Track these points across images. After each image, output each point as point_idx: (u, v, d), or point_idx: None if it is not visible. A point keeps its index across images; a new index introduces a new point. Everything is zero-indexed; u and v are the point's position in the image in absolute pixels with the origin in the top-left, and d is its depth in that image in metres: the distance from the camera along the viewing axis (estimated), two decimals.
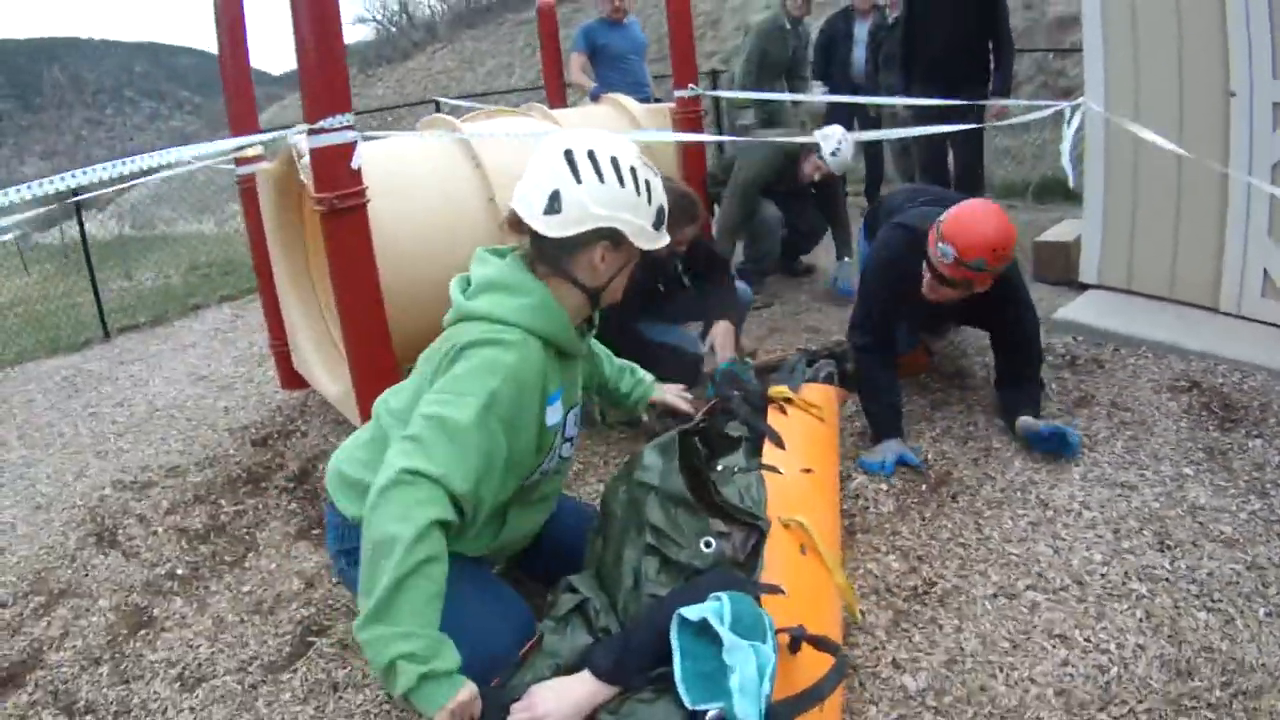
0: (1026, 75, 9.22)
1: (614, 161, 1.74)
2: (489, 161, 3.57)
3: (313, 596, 2.59)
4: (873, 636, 2.13)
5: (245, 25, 3.78)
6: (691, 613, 1.47)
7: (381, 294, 2.86)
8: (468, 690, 1.44)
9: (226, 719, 2.11)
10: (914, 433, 3.12)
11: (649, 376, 2.51)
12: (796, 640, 1.56)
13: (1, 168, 35.73)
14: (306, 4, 2.56)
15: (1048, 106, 4.35)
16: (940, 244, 2.77)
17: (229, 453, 3.70)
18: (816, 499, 2.19)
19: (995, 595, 2.25)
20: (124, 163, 2.55)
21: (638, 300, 3.08)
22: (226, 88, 3.81)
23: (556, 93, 6.21)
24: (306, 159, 2.83)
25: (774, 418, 2.45)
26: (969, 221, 2.76)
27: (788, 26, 6.27)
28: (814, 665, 1.54)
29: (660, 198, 1.83)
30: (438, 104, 9.66)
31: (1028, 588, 2.26)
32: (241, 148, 3.68)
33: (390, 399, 1.91)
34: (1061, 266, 4.65)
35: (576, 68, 6.09)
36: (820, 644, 1.58)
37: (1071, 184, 4.48)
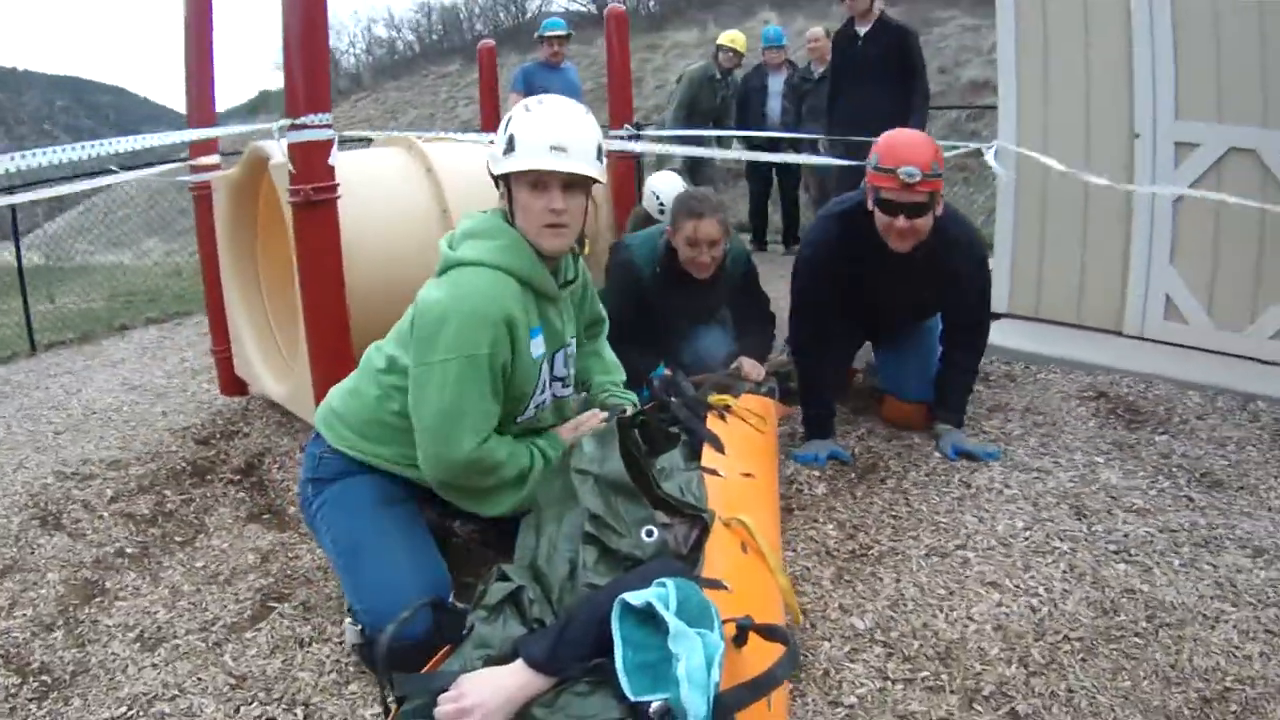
0: (941, 135, 9.75)
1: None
2: (441, 170, 3.69)
3: (270, 569, 2.62)
4: (819, 587, 2.29)
5: (212, 36, 3.87)
6: (635, 598, 1.40)
7: (344, 284, 2.95)
8: None
9: (192, 673, 2.12)
10: (841, 433, 3.31)
11: (626, 395, 2.52)
12: (744, 631, 1.49)
13: None
14: (298, 8, 2.72)
15: (963, 146, 4.69)
16: (874, 169, 2.88)
17: (171, 449, 3.69)
18: (757, 502, 2.19)
19: (928, 555, 2.43)
20: (83, 147, 2.63)
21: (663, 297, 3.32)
22: (190, 91, 3.88)
23: (492, 128, 6.38)
24: (279, 158, 2.94)
25: (713, 424, 2.41)
26: (895, 136, 2.94)
27: (718, 77, 6.72)
28: (760, 658, 1.47)
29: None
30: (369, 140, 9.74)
31: (958, 548, 2.45)
32: (205, 140, 3.78)
33: (381, 344, 2.19)
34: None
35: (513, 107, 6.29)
36: (769, 633, 1.51)
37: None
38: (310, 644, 2.20)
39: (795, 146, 6.23)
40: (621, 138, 4.60)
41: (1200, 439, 3.17)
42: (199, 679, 2.09)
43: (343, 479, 2.15)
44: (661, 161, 6.46)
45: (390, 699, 1.50)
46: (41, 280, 10.15)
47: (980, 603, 2.18)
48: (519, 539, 1.84)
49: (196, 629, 2.31)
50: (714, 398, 2.60)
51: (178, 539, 2.88)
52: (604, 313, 2.58)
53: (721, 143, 6.79)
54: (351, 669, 2.09)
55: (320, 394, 2.90)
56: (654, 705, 1.28)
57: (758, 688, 1.38)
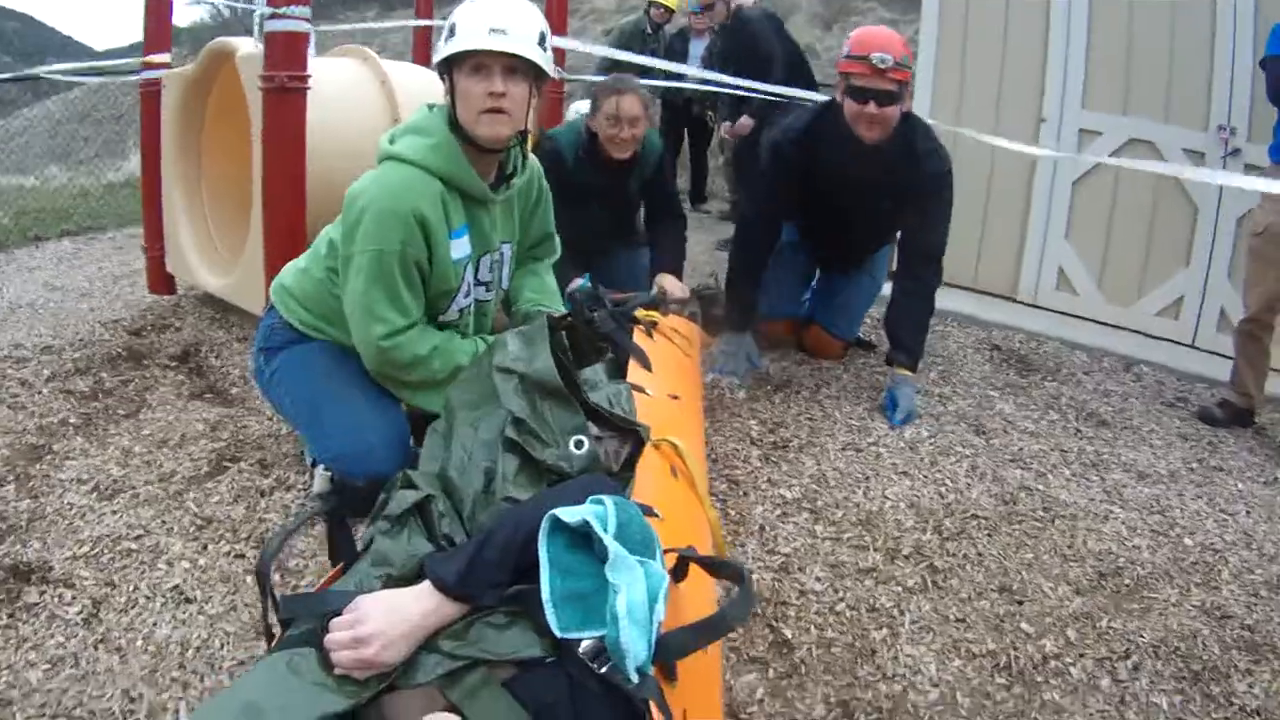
0: None
1: None
2: (394, 81, 3.76)
3: (220, 435, 2.68)
4: (748, 464, 2.53)
5: None
6: (569, 514, 1.19)
7: (305, 172, 3.00)
8: None
9: (155, 516, 2.19)
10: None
11: (555, 302, 2.48)
12: (684, 563, 1.30)
13: None
14: None
15: None
16: (846, 57, 2.93)
17: (103, 338, 3.65)
18: (685, 425, 2.07)
19: (844, 448, 2.71)
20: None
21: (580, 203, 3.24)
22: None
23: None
24: (247, 50, 2.98)
25: (639, 340, 2.27)
26: (867, 29, 3.06)
27: (648, 31, 6.87)
28: (698, 595, 1.35)
29: (455, 15, 2.04)
30: None
31: (870, 445, 2.74)
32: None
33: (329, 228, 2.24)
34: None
35: None
36: (717, 567, 1.35)
37: None
38: (272, 493, 2.30)
39: (711, 107, 6.37)
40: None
41: (1086, 389, 3.51)
42: (163, 521, 2.17)
43: (293, 345, 2.25)
44: None
45: (274, 622, 1.32)
46: None
47: (894, 486, 2.44)
48: (426, 443, 1.68)
49: (155, 480, 2.37)
50: (640, 312, 2.47)
51: (120, 412, 2.89)
52: (555, 235, 2.57)
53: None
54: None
55: (272, 274, 2.96)
56: (584, 643, 1.11)
57: (706, 631, 1.19)
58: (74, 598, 1.86)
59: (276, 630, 1.32)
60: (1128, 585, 2.10)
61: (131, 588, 1.89)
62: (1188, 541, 2.36)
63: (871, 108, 2.87)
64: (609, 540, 1.14)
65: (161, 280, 4.14)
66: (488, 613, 1.20)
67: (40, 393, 3.05)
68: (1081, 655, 1.87)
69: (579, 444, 1.56)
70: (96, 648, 1.71)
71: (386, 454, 2.05)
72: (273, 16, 2.81)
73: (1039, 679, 1.79)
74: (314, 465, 2.24)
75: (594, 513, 1.19)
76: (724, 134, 6.29)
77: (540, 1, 3.75)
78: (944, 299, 4.57)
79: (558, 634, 1.13)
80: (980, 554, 2.15)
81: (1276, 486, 2.79)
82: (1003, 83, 4.58)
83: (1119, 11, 4.25)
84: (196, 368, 3.31)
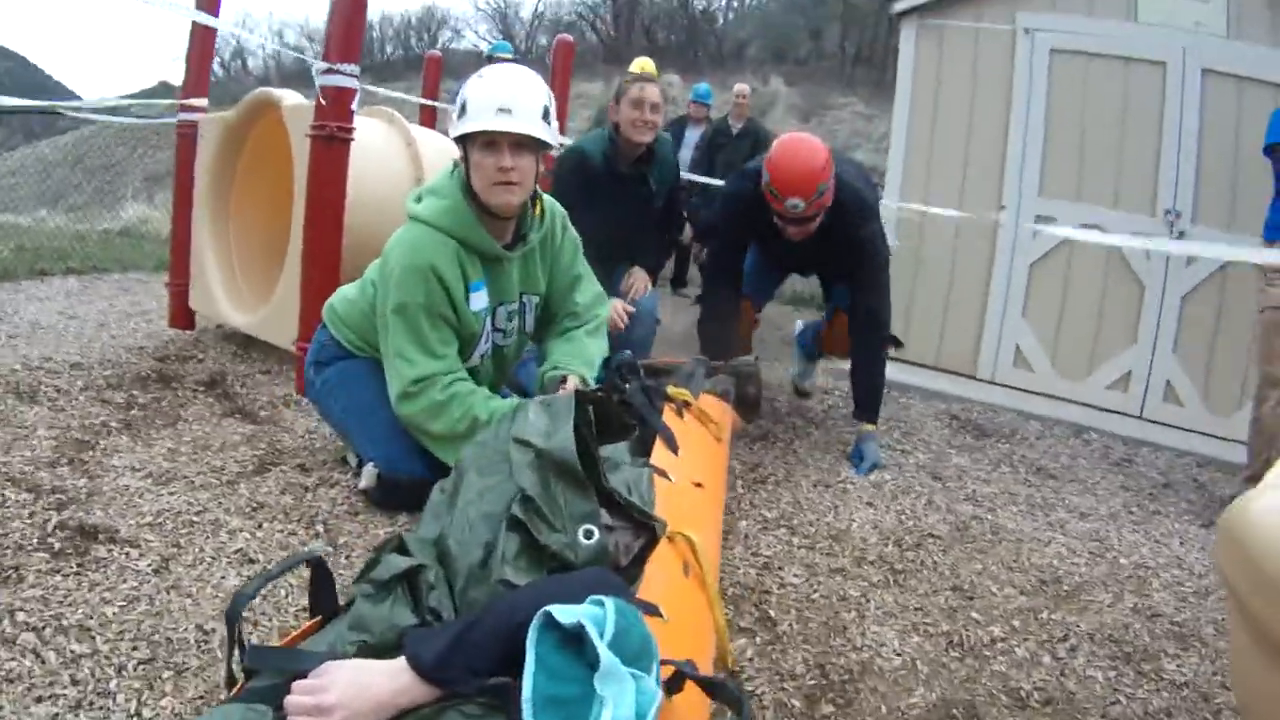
0: None
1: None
2: (419, 142, 4.15)
3: (258, 445, 2.94)
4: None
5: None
6: (564, 613, 1.12)
7: (344, 212, 3.35)
8: None
9: (211, 499, 2.45)
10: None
11: (582, 366, 2.54)
12: (679, 678, 1.21)
13: None
14: None
15: None
16: (767, 186, 3.17)
17: (130, 361, 3.90)
18: (704, 517, 1.96)
19: (815, 484, 3.07)
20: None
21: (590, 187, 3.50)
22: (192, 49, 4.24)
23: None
24: (293, 101, 3.35)
25: (668, 419, 2.17)
26: (782, 160, 3.13)
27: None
28: (691, 713, 1.27)
29: (466, 93, 2.25)
30: None
31: (839, 482, 3.11)
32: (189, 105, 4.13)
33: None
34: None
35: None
36: (714, 689, 1.25)
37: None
38: (317, 488, 2.58)
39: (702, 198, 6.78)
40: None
41: (1038, 450, 3.89)
42: (219, 503, 2.43)
43: (342, 360, 2.59)
44: None
45: (239, 668, 1.29)
46: None
47: (860, 512, 2.81)
48: (430, 501, 1.66)
49: (206, 472, 2.64)
50: (673, 389, 2.37)
51: (159, 421, 3.15)
52: (593, 304, 2.68)
53: None
54: (361, 504, 2.47)
55: (309, 309, 3.26)
56: None
57: None
58: (142, 555, 2.11)
59: (240, 675, 1.28)
60: (1066, 590, 2.45)
61: (197, 549, 2.15)
62: (1123, 561, 2.72)
63: (792, 229, 3.23)
64: (602, 648, 1.07)
65: (183, 315, 4.43)
66: (461, 701, 1.14)
67: (77, 399, 3.30)
68: (1025, 639, 2.19)
69: (588, 534, 1.46)
70: (168, 593, 1.97)
71: (430, 457, 2.36)
72: (327, 71, 3.19)
73: (988, 654, 2.11)
74: (360, 465, 2.53)
75: (591, 615, 1.11)
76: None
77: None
78: (908, 375, 4.99)
79: None
80: (935, 563, 2.49)
81: (1212, 528, 3.15)
82: (966, 171, 5.06)
83: (1073, 107, 4.78)
84: (224, 393, 3.57)
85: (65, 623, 1.82)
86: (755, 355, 3.36)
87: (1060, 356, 4.86)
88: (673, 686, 1.20)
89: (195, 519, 2.31)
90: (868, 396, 3.47)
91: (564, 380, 2.42)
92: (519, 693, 1.06)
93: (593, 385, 2.41)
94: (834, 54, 20.40)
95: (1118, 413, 4.70)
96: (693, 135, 7.58)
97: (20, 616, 1.83)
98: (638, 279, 3.75)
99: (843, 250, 3.38)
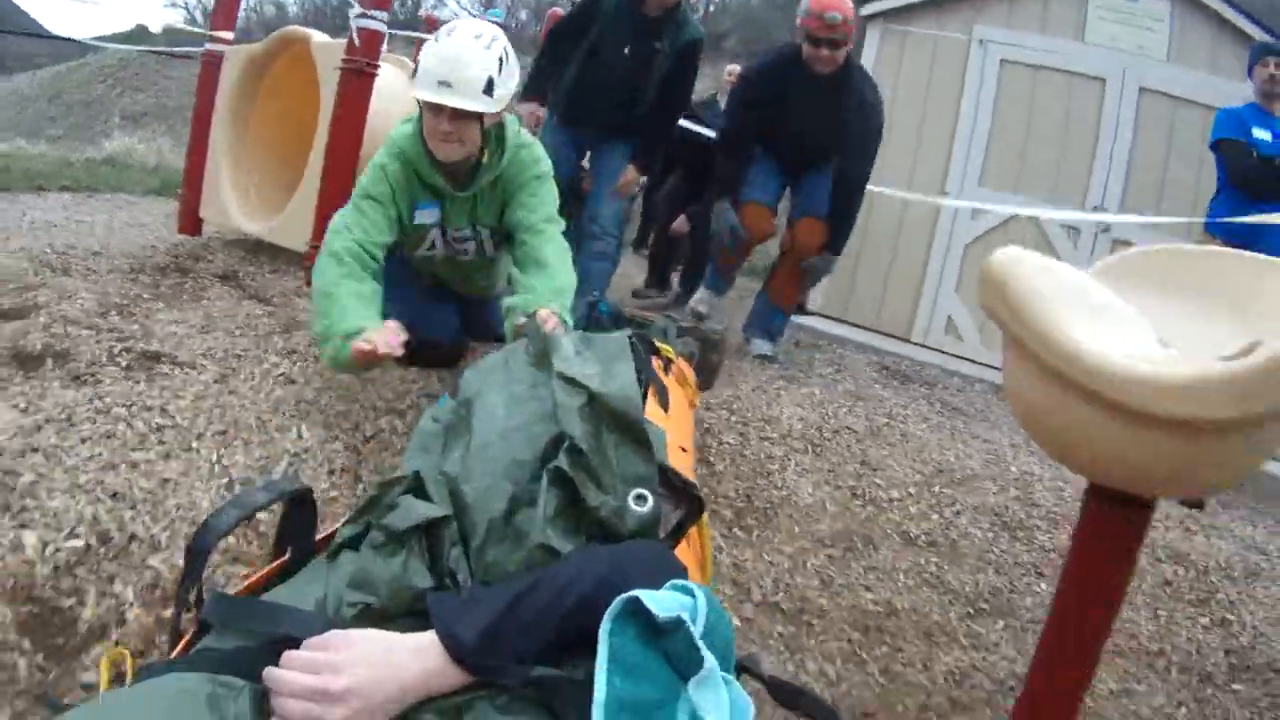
0: None
1: None
2: None
3: (280, 318, 3.38)
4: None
5: None
6: (657, 603, 0.92)
7: (363, 137, 3.82)
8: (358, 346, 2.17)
9: (251, 346, 2.90)
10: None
11: (550, 297, 2.43)
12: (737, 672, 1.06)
13: None
14: None
15: None
16: (804, 13, 3.81)
17: (146, 254, 4.30)
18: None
19: (753, 390, 3.62)
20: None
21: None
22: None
23: None
24: (320, 39, 3.84)
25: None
26: None
27: None
28: None
29: (421, 54, 2.46)
30: None
31: (774, 388, 3.66)
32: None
33: None
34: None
35: None
36: (794, 696, 1.14)
37: None
38: None
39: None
40: None
41: (956, 397, 4.49)
42: (259, 346, 2.89)
43: None
44: None
45: (187, 617, 1.11)
46: None
47: (789, 409, 3.39)
48: (418, 434, 1.48)
49: (244, 327, 3.08)
50: (660, 344, 2.26)
51: (184, 297, 3.58)
52: (542, 221, 2.68)
53: None
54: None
55: (325, 213, 3.71)
56: None
57: None
58: (200, 373, 2.58)
59: (188, 625, 1.11)
60: (959, 478, 3.02)
61: (248, 371, 2.63)
62: (1013, 469, 3.32)
63: (824, 51, 3.84)
64: (706, 652, 0.90)
65: (192, 222, 4.86)
66: (499, 694, 0.95)
67: (107, 277, 3.68)
68: (918, 502, 2.76)
69: (640, 499, 1.24)
70: (230, 395, 2.45)
71: (447, 326, 2.83)
72: (360, 15, 3.70)
73: (886, 506, 2.68)
74: None
75: (686, 606, 0.93)
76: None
77: None
78: (847, 332, 5.58)
79: None
80: (849, 446, 3.06)
81: None
82: (916, 157, 5.66)
83: (1018, 113, 5.41)
84: (239, 284, 3.98)
85: (147, 405, 2.29)
86: (725, 325, 3.52)
87: (988, 329, 5.49)
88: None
89: (241, 354, 2.78)
90: (838, 237, 4.16)
91: (534, 315, 2.20)
92: (575, 690, 0.93)
93: (569, 320, 2.34)
94: None
95: None
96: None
97: (107, 400, 2.29)
98: (629, 176, 4.02)
99: (850, 111, 3.98)
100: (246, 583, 1.23)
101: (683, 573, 1.07)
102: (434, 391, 2.78)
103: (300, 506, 1.29)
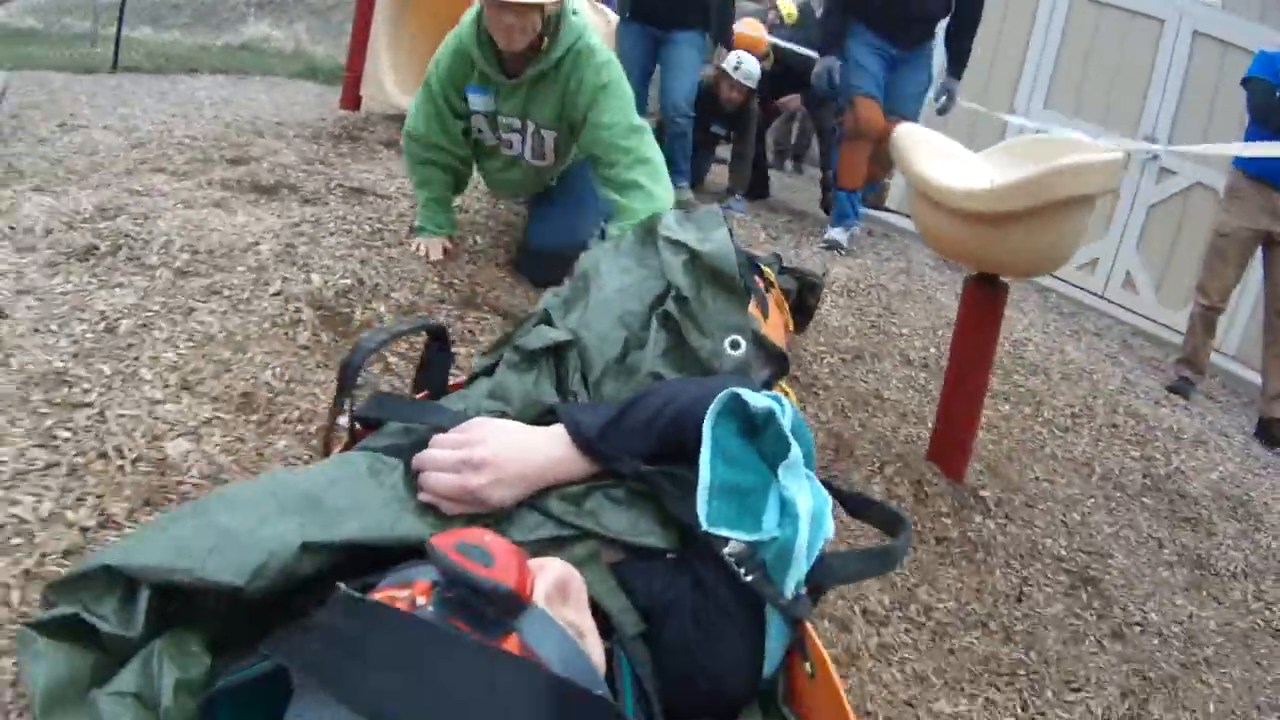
0: None
1: None
2: None
3: None
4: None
5: None
6: (752, 399, 1.09)
7: None
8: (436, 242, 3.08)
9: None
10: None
11: (638, 212, 2.66)
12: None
13: None
14: None
15: None
16: None
17: (319, 124, 5.42)
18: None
19: (815, 252, 4.58)
20: None
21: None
22: None
23: None
24: None
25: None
26: None
27: None
28: None
29: None
30: None
31: (828, 251, 4.61)
32: None
33: None
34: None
35: None
36: (865, 506, 1.31)
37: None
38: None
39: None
40: None
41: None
42: None
43: None
44: None
45: (344, 417, 1.29)
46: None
47: (840, 268, 4.38)
48: (545, 298, 1.64)
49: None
50: (763, 265, 2.48)
51: (362, 156, 4.71)
52: (621, 136, 2.83)
53: None
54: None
55: None
56: (733, 544, 1.02)
57: (873, 561, 1.15)
58: (397, 204, 3.71)
59: (339, 435, 1.30)
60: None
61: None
62: (1022, 335, 4.28)
63: None
64: (794, 441, 1.06)
65: (353, 98, 5.97)
66: (611, 484, 1.14)
67: (294, 141, 4.76)
68: (923, 338, 3.80)
69: (735, 344, 1.45)
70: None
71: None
72: None
73: (895, 337, 3.77)
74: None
75: (776, 404, 1.09)
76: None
77: None
78: (910, 225, 6.43)
79: (704, 527, 1.02)
80: (879, 296, 4.14)
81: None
82: (990, 77, 6.52)
83: (1082, 46, 6.24)
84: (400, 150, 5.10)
85: (367, 217, 3.44)
86: (825, 269, 4.12)
87: None
88: None
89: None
90: (957, 60, 4.99)
91: None
92: (675, 482, 1.10)
93: None
94: None
95: (1083, 289, 6.23)
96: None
97: (338, 214, 3.44)
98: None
99: None
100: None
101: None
102: None
103: (438, 343, 1.47)
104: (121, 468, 1.79)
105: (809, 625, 1.06)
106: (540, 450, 1.13)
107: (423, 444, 1.14)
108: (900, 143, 2.54)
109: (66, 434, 1.84)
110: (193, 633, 0.90)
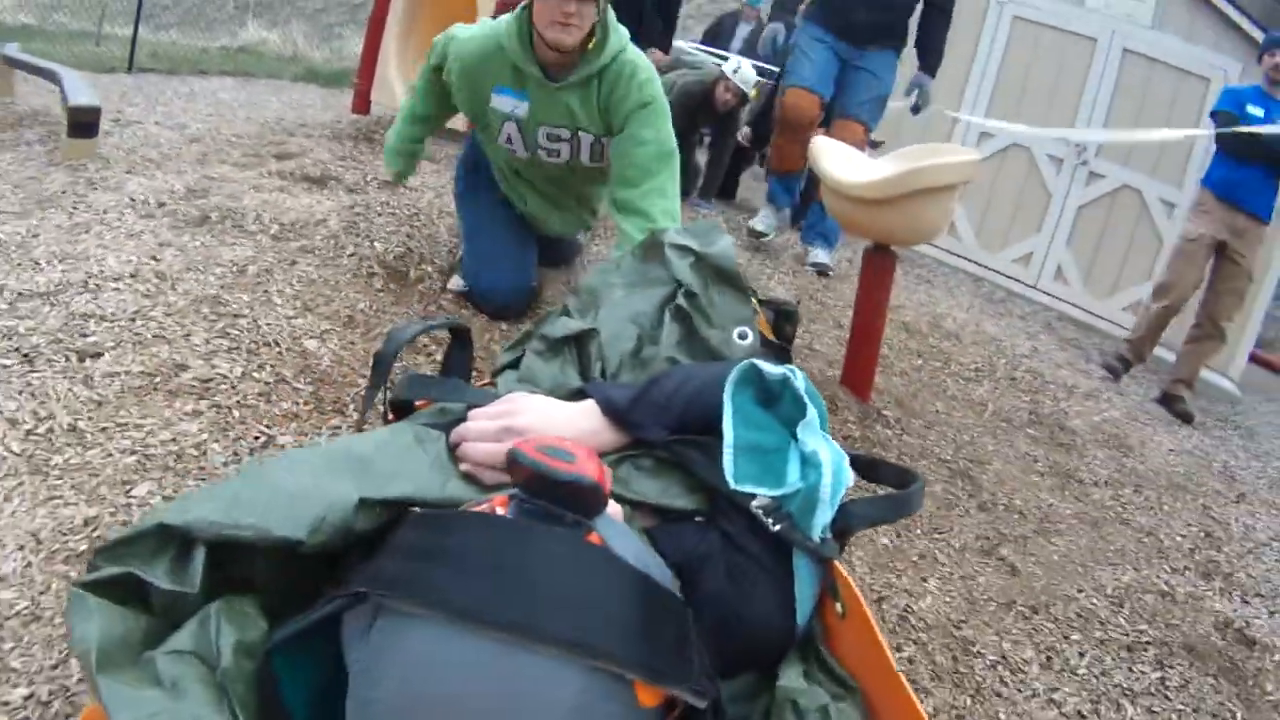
0: None
1: None
2: None
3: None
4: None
5: None
6: (768, 368, 1.27)
7: None
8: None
9: (440, 183, 5.07)
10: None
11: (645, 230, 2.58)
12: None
13: None
14: None
15: None
16: None
17: (337, 126, 6.39)
18: None
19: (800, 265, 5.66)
20: None
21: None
22: None
23: None
24: None
25: None
26: None
27: None
28: None
29: None
30: None
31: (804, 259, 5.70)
32: None
33: None
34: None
35: None
36: (876, 467, 1.40)
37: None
38: None
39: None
40: None
41: (939, 283, 6.50)
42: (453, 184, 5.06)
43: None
44: None
45: (381, 402, 1.43)
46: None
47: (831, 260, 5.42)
48: (552, 316, 1.72)
49: (434, 177, 5.25)
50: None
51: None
52: (653, 160, 2.85)
53: None
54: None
55: None
56: (759, 498, 1.17)
57: (891, 506, 1.26)
58: (423, 194, 4.73)
59: (373, 419, 1.46)
60: (939, 318, 5.09)
61: (448, 197, 4.80)
62: (956, 316, 5.35)
63: None
64: (810, 403, 1.23)
65: (364, 104, 6.95)
66: (639, 455, 1.30)
67: (321, 139, 5.79)
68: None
69: (743, 335, 1.60)
70: (450, 203, 4.60)
71: (511, 293, 3.36)
72: None
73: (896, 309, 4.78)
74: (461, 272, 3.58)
75: (790, 371, 1.27)
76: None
77: None
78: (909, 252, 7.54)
79: (732, 485, 1.18)
80: (817, 279, 5.15)
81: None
82: (940, 84, 7.60)
83: (1022, 61, 7.37)
84: None
85: (404, 202, 4.47)
86: (798, 298, 4.41)
87: (983, 232, 7.48)
88: None
89: (440, 187, 4.94)
90: (929, 56, 5.33)
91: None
92: (700, 449, 1.25)
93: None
94: None
95: (1017, 280, 7.34)
96: (744, 29, 8.95)
97: (379, 199, 4.46)
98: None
99: None
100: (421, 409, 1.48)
101: None
102: None
103: (461, 340, 1.60)
104: (279, 353, 2.81)
105: (839, 566, 1.17)
106: (575, 422, 1.28)
107: (460, 422, 1.27)
108: (815, 150, 3.60)
109: (236, 332, 2.85)
110: (247, 599, 0.94)
